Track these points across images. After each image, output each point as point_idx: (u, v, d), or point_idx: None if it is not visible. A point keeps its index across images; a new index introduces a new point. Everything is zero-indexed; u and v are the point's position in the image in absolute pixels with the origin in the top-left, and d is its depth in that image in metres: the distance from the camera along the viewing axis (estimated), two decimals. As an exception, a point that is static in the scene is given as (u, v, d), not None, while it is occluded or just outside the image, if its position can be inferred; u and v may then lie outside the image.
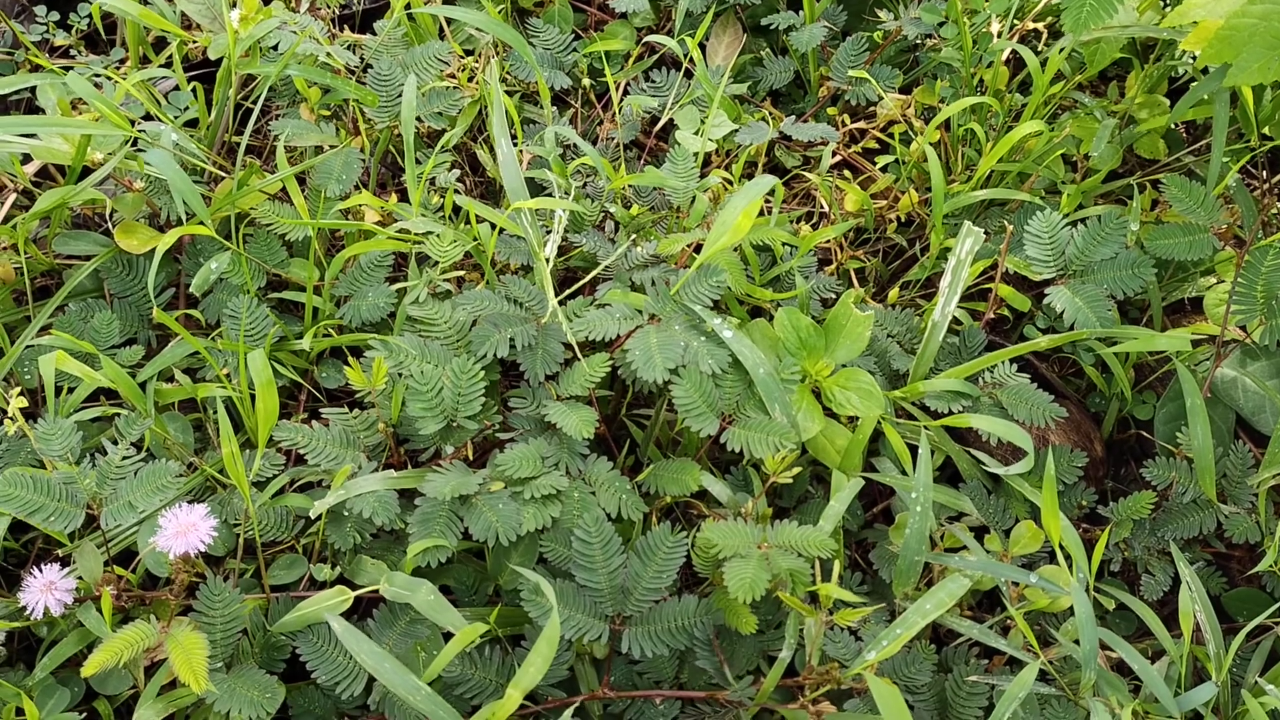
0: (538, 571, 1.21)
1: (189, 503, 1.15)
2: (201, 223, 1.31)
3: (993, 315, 1.45)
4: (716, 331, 1.27)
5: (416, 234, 1.37)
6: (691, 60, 1.62)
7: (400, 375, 1.25)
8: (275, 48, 1.48)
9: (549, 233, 1.35)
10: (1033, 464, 1.25)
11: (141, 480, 1.17)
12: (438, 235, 1.35)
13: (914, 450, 1.26)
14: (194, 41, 1.63)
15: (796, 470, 1.20)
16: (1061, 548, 1.21)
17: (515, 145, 1.53)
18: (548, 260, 1.32)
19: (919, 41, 1.78)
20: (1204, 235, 1.38)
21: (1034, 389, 1.36)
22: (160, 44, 1.80)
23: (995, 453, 1.40)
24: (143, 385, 1.34)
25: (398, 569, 1.20)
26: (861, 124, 1.70)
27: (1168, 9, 1.49)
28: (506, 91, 1.71)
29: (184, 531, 1.12)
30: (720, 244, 1.24)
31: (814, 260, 1.51)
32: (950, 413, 1.34)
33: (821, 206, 1.63)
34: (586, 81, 1.72)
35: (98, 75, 1.65)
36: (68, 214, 1.53)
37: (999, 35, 1.61)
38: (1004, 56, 1.63)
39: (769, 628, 1.24)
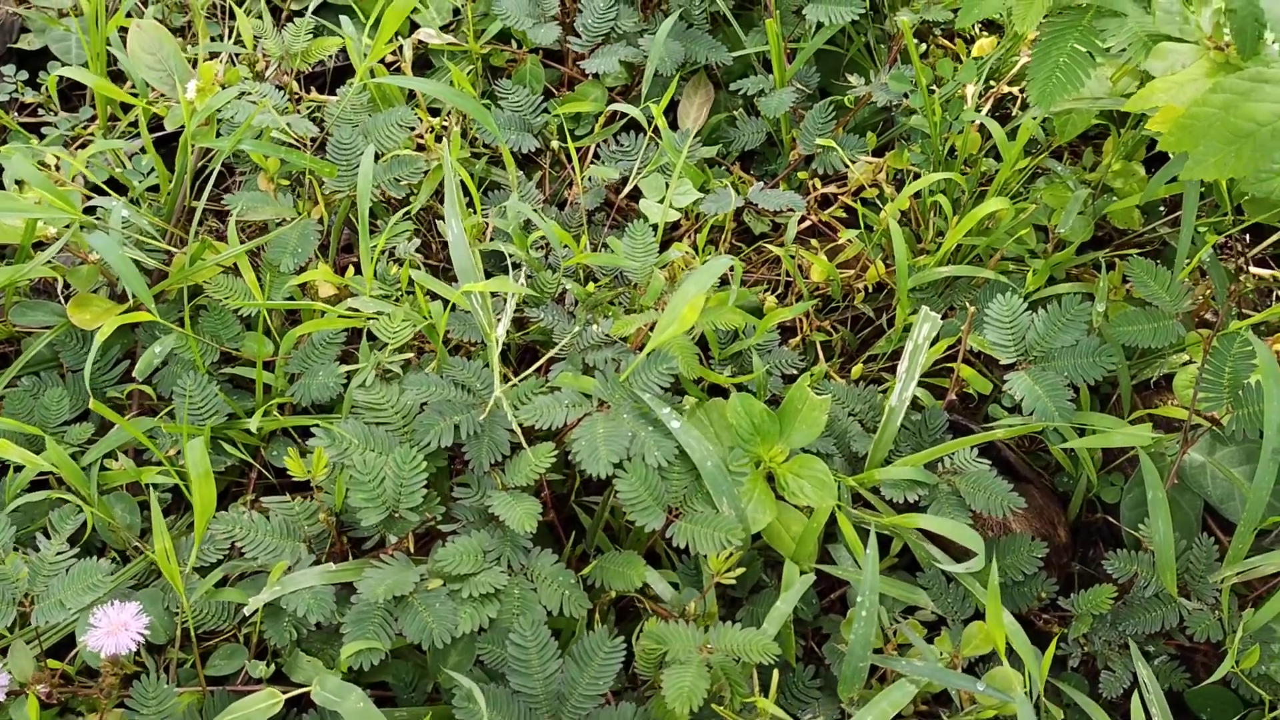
0: (476, 673, 1.19)
1: (123, 600, 1.14)
2: (145, 307, 1.29)
3: (955, 396, 1.43)
4: (664, 421, 1.25)
5: (367, 313, 1.35)
6: (656, 128, 1.60)
7: (343, 464, 1.24)
8: (230, 118, 1.47)
9: (501, 313, 1.33)
10: (984, 563, 1.22)
11: (73, 578, 1.16)
12: (387, 315, 1.34)
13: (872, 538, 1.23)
14: (159, 102, 1.62)
15: (740, 571, 1.18)
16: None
17: (475, 214, 1.51)
18: (499, 341, 1.30)
19: (893, 105, 1.75)
20: (1168, 322, 1.34)
21: (993, 477, 1.33)
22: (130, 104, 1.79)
23: (954, 541, 1.37)
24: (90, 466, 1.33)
25: (335, 665, 1.19)
26: (833, 188, 1.67)
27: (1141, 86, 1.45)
28: (473, 155, 1.70)
29: (115, 630, 1.11)
30: (668, 334, 1.22)
31: (776, 335, 1.48)
32: (906, 501, 1.32)
33: (787, 275, 1.61)
34: (555, 144, 1.70)
35: (64, 136, 1.65)
36: (26, 283, 1.52)
37: (970, 100, 1.58)
38: (976, 122, 1.60)
39: (714, 727, 1.21)
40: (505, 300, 1.35)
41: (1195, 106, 1.18)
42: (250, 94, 1.48)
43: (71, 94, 1.87)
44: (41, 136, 1.76)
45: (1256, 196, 1.30)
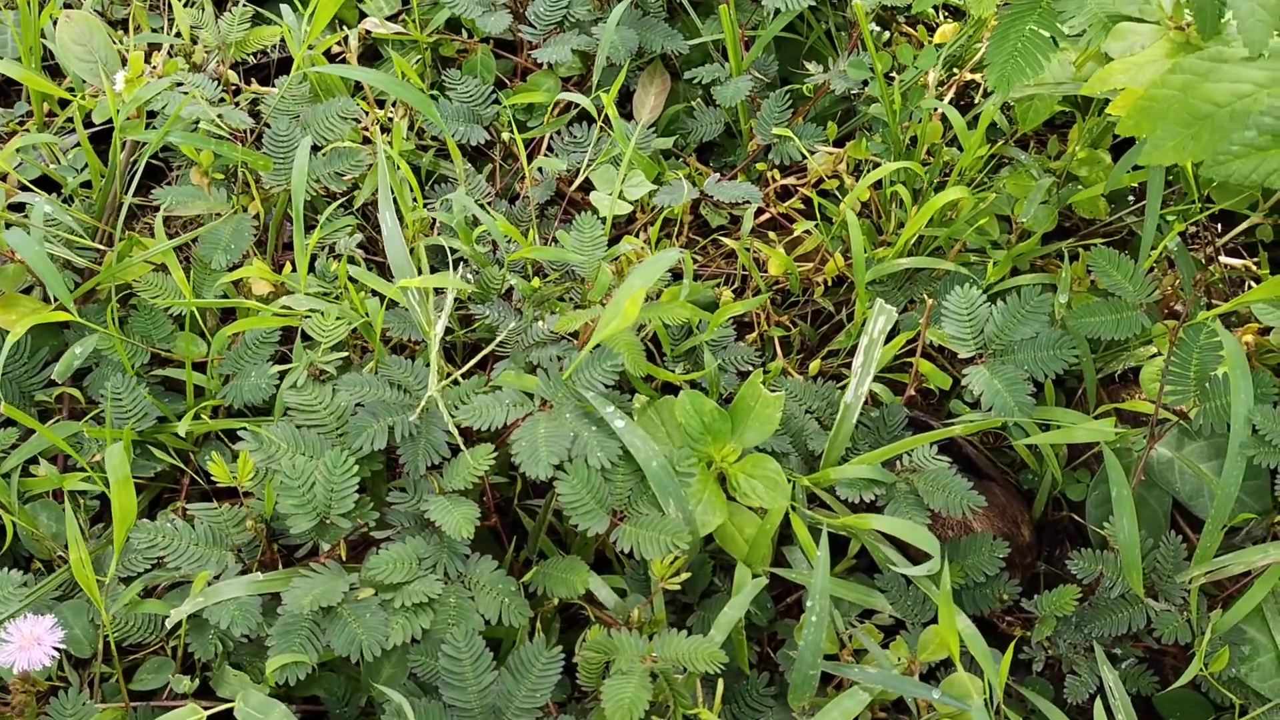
0: (410, 686, 1.14)
1: (42, 613, 1.09)
2: (67, 309, 1.23)
3: (914, 391, 1.38)
4: (608, 420, 1.20)
5: (301, 311, 1.30)
6: (607, 118, 1.55)
7: (273, 469, 1.18)
8: (163, 110, 1.42)
9: (441, 310, 1.28)
10: (939, 566, 1.17)
11: (-18, 591, 1.11)
12: (321, 313, 1.28)
13: (830, 540, 1.18)
14: (91, 96, 1.56)
15: (685, 575, 1.13)
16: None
17: (419, 206, 1.46)
18: (438, 338, 1.24)
19: (853, 93, 1.70)
20: (1132, 313, 1.30)
21: (952, 475, 1.28)
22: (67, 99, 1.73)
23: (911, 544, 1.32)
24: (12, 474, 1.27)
25: (263, 680, 1.14)
26: (792, 180, 1.62)
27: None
28: (420, 148, 1.64)
29: (27, 646, 1.06)
30: (611, 329, 1.17)
31: (731, 331, 1.43)
32: (862, 501, 1.27)
33: (744, 269, 1.56)
34: (506, 135, 1.64)
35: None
36: (-48, 283, 1.46)
37: (931, 88, 1.53)
38: (937, 112, 1.55)
39: (661, 739, 1.16)
40: (447, 297, 1.30)
41: (1154, 88, 1.14)
42: (183, 85, 1.43)
43: (10, 89, 1.81)
44: (-25, 132, 1.70)
45: (1217, 180, 1.25)
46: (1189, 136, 1.06)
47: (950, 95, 1.62)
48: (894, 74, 1.60)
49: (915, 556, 1.27)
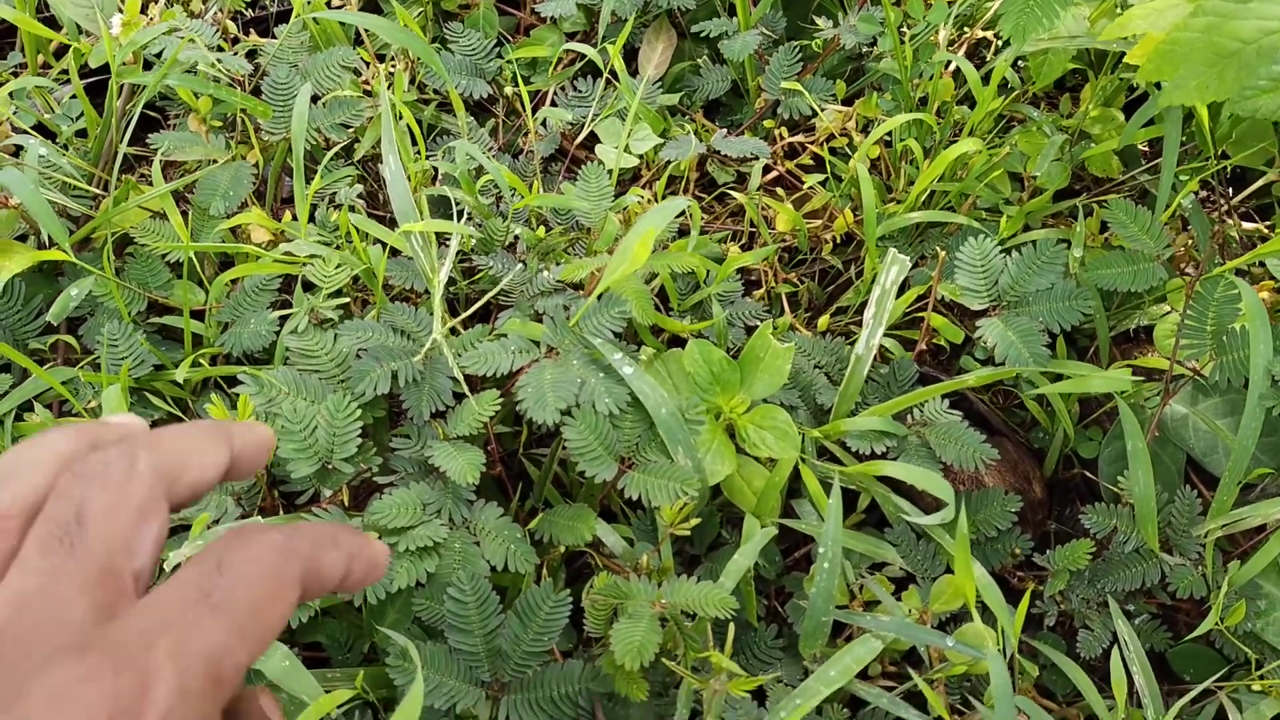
0: (414, 631, 1.12)
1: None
2: (61, 248, 1.21)
3: (925, 346, 1.36)
4: (616, 367, 1.17)
5: (302, 257, 1.27)
6: (613, 70, 1.52)
7: (273, 414, 1.16)
8: (160, 55, 1.39)
9: (445, 259, 1.26)
10: (954, 514, 1.15)
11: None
12: (323, 259, 1.26)
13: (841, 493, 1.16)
14: (88, 42, 1.53)
15: (695, 521, 1.10)
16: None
17: (422, 158, 1.43)
18: (441, 285, 1.22)
19: (864, 50, 1.68)
20: (1149, 265, 1.28)
21: (965, 428, 1.26)
22: (66, 49, 1.70)
23: (924, 496, 1.30)
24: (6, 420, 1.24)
25: (263, 625, 1.11)
26: (800, 138, 1.60)
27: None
28: (422, 100, 1.62)
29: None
30: (619, 274, 1.15)
31: (739, 286, 1.41)
32: (873, 453, 1.25)
33: (752, 225, 1.53)
34: (509, 90, 1.62)
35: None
36: (-56, 230, 1.43)
37: (942, 43, 1.51)
38: (950, 69, 1.53)
39: (668, 688, 1.14)
40: (450, 244, 1.27)
41: (1176, 31, 1.12)
42: (180, 31, 1.40)
43: (3, 42, 1.78)
44: (-33, 83, 1.67)
45: (1244, 116, 1.23)
46: (1213, 75, 1.04)
47: (962, 53, 1.59)
48: (905, 29, 1.57)
49: (926, 511, 1.25)
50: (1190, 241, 1.44)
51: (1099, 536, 1.26)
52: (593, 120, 1.56)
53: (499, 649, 1.06)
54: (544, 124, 1.57)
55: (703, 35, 1.64)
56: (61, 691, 0.38)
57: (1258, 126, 1.37)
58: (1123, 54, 1.48)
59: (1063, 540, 1.37)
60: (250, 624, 0.43)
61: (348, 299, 1.26)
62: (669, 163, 1.51)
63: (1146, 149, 1.67)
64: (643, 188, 1.57)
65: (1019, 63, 1.64)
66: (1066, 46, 1.42)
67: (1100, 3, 1.43)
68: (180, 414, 1.30)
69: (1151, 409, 1.33)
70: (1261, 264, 1.48)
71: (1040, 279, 1.27)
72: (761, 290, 1.48)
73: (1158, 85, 1.43)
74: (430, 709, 1.04)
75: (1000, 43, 1.58)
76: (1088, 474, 1.40)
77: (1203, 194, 1.65)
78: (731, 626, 1.05)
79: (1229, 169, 1.61)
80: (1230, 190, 1.67)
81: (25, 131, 1.40)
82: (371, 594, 1.06)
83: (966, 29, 1.63)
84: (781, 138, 1.60)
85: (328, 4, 1.68)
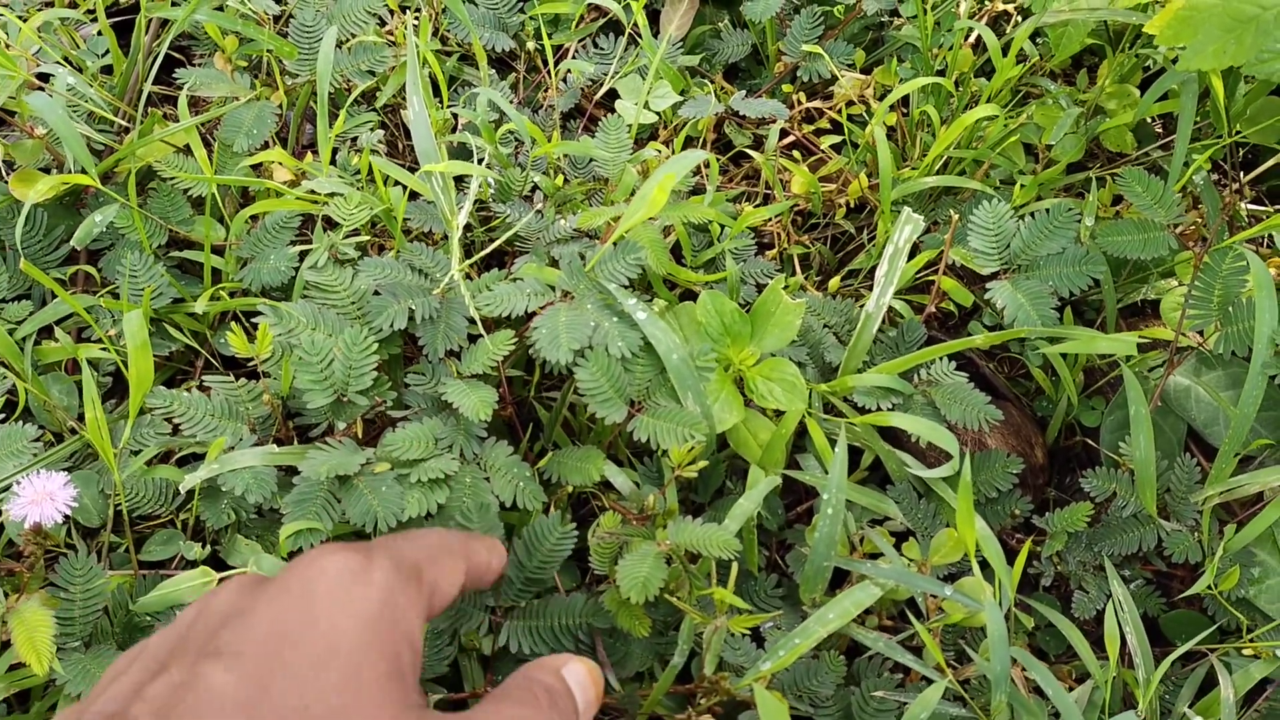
0: (421, 560, 1.13)
1: (51, 470, 1.08)
2: (88, 173, 1.22)
3: (935, 309, 1.37)
4: (630, 312, 1.19)
5: (323, 195, 1.29)
6: (636, 26, 1.54)
7: (291, 345, 1.18)
8: (188, -7, 1.40)
9: (463, 202, 1.27)
10: (959, 468, 1.16)
11: (-5, 444, 1.10)
12: (344, 196, 1.27)
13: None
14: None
15: (703, 464, 1.12)
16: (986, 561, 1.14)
17: (443, 107, 1.45)
18: (459, 227, 1.23)
19: (884, 20, 1.69)
20: (1159, 234, 1.29)
21: (970, 389, 1.28)
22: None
23: (927, 456, 1.32)
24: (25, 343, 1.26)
25: (275, 550, 1.13)
26: (818, 103, 1.61)
27: (1139, -8, 1.40)
28: (444, 52, 1.63)
29: (39, 500, 1.05)
30: (637, 218, 1.16)
31: (752, 245, 1.43)
32: (879, 410, 1.26)
33: (767, 187, 1.55)
34: (531, 45, 1.63)
35: (6, 11, 1.57)
36: (-31, 160, 1.45)
37: (963, 16, 1.52)
38: (970, 38, 1.54)
39: (669, 628, 1.16)
40: (470, 188, 1.29)
41: (1196, -1, 1.13)
42: (210, -32, 1.41)
43: (29, -20, 1.79)
44: (-5, 18, 1.68)
45: (1256, 91, 1.24)
46: (1231, 40, 1.05)
47: (982, 23, 1.61)
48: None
49: (931, 466, 1.27)
50: (1200, 220, 1.45)
51: (1098, 500, 1.28)
52: (613, 77, 1.57)
53: (505, 575, 1.08)
54: (564, 80, 1.58)
55: (725, -3, 1.65)
56: None
57: (1271, 104, 1.39)
58: (1140, 32, 1.50)
59: (1062, 506, 1.38)
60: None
61: (366, 237, 1.28)
62: (687, 121, 1.52)
63: (1160, 129, 1.68)
64: (661, 145, 1.58)
65: (1038, 38, 1.65)
66: (1086, 19, 1.43)
67: (1122, -23, 1.44)
68: (197, 346, 1.32)
69: (1155, 380, 1.35)
70: (1270, 244, 1.49)
71: (1051, 243, 1.28)
72: (774, 251, 1.50)
73: (1174, 62, 1.45)
74: (434, 630, 1.06)
75: (1019, 16, 1.59)
76: (1089, 442, 1.41)
77: (1215, 176, 1.66)
78: (734, 568, 1.07)
79: (1241, 153, 1.63)
80: (1243, 174, 1.68)
81: (55, 64, 1.41)
82: (382, 520, 1.08)
83: (987, 2, 1.64)
84: (799, 103, 1.61)
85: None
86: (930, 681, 1.12)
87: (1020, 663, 1.09)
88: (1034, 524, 1.32)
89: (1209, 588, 1.19)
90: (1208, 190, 1.43)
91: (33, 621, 1.01)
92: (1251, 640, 1.19)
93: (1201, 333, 1.30)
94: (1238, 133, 1.44)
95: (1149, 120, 1.67)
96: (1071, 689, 1.16)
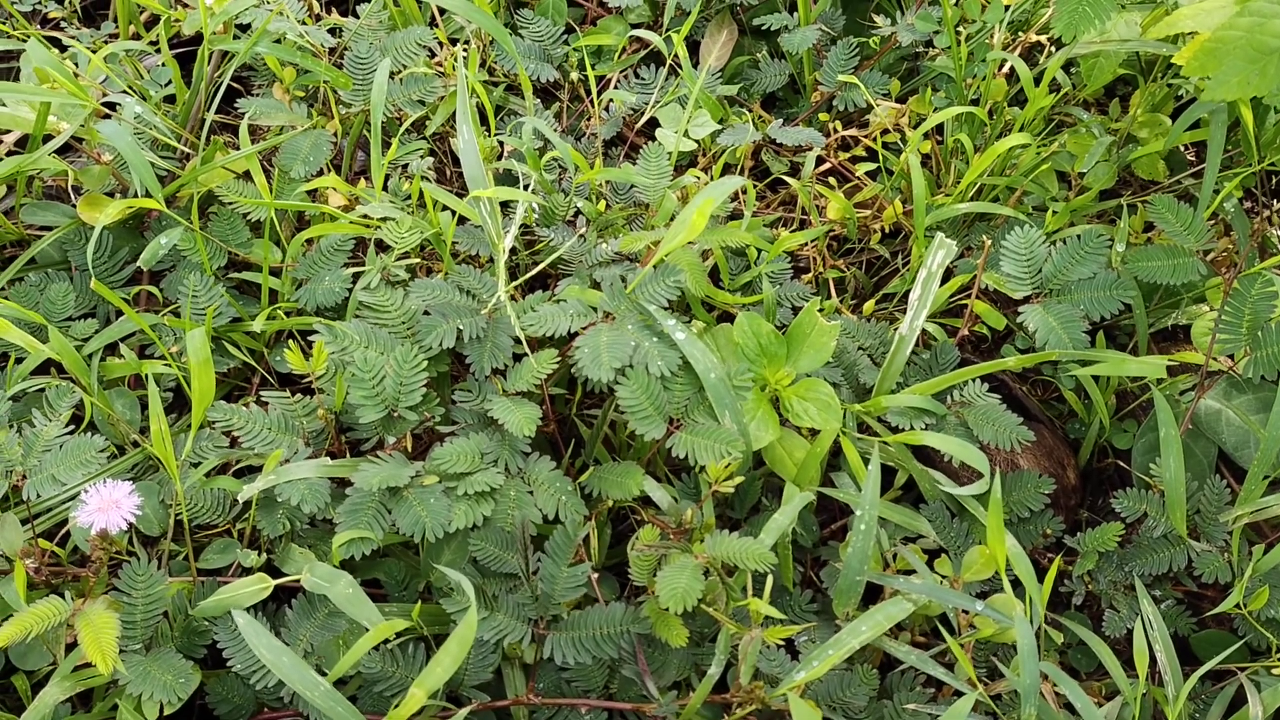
0: (469, 571, 1.18)
1: (117, 480, 1.13)
2: (154, 197, 1.28)
3: (968, 332, 1.40)
4: (669, 333, 1.23)
5: (375, 219, 1.35)
6: (677, 57, 1.58)
7: (344, 362, 1.23)
8: (248, 28, 1.46)
9: (509, 226, 1.32)
10: (990, 485, 1.19)
11: (66, 454, 1.15)
12: (395, 221, 1.33)
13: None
14: (180, 10, 1.62)
15: (739, 480, 1.16)
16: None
17: (490, 136, 1.50)
18: (505, 250, 1.28)
19: (919, 50, 1.73)
20: (1189, 259, 1.32)
21: (1002, 410, 1.31)
22: (154, 21, 1.79)
23: (960, 476, 1.35)
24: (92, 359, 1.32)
25: (327, 559, 1.18)
26: (854, 131, 1.65)
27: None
28: (491, 83, 1.69)
29: (106, 508, 1.10)
30: (677, 242, 1.21)
31: (789, 268, 1.46)
32: (912, 429, 1.29)
33: (803, 213, 1.59)
34: (575, 75, 1.68)
35: (75, 43, 1.65)
36: (40, 185, 1.52)
37: (997, 44, 1.56)
38: (1003, 69, 1.58)
39: (705, 640, 1.19)
40: (515, 212, 1.33)
41: (1221, 30, 1.16)
42: (269, 2, 1.48)
43: (95, 11, 1.87)
44: (63, 49, 1.76)
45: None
46: (1254, 71, 1.08)
47: (1016, 55, 1.64)
48: (960, 29, 1.62)
49: (964, 485, 1.30)
50: (1230, 246, 1.47)
51: (1129, 520, 1.30)
52: (654, 106, 1.62)
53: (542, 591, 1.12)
54: (607, 109, 1.63)
55: (763, 29, 1.70)
56: None
57: (1302, 133, 1.41)
58: (1171, 62, 1.52)
59: (1094, 527, 1.40)
60: None
61: (417, 260, 1.33)
62: (725, 149, 1.57)
63: (1193, 157, 1.70)
64: (701, 171, 1.63)
65: (1070, 68, 1.68)
66: (1118, 50, 1.46)
67: (1153, 9, 1.48)
68: (254, 363, 1.38)
69: (1186, 403, 1.37)
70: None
71: (1083, 268, 1.31)
72: (810, 275, 1.54)
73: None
74: (479, 641, 1.10)
75: (1052, 47, 1.63)
76: (1121, 464, 1.43)
77: (1246, 204, 1.68)
78: (769, 581, 1.10)
79: (1273, 180, 1.65)
80: (1275, 202, 1.70)
81: (121, 93, 1.48)
82: (430, 531, 1.12)
83: (1021, 34, 1.67)
84: (835, 131, 1.65)
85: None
86: (961, 694, 1.14)
87: (1050, 678, 1.11)
88: (1066, 543, 1.35)
89: (1237, 606, 1.21)
90: (1238, 217, 1.46)
91: (99, 623, 1.06)
92: (1281, 660, 1.21)
93: (1232, 357, 1.33)
94: (1268, 160, 1.46)
95: (1181, 148, 1.70)
96: (1101, 705, 1.18)
